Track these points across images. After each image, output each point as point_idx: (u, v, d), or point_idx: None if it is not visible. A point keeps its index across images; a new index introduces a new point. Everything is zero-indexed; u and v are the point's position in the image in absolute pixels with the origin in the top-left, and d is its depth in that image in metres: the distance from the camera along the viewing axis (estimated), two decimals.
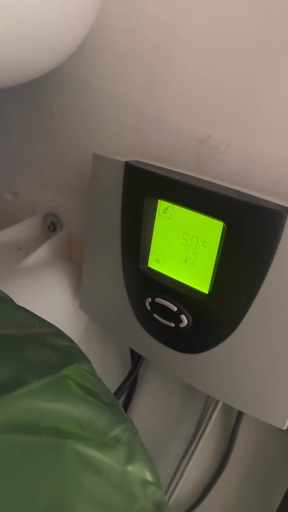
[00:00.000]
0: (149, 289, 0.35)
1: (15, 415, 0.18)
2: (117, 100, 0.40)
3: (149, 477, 0.20)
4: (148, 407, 0.52)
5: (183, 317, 0.33)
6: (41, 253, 0.47)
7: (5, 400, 0.18)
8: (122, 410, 0.23)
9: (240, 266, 0.29)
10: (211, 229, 0.30)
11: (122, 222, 0.35)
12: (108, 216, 0.36)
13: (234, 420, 0.45)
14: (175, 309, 0.34)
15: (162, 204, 0.33)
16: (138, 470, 0.20)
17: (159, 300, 0.34)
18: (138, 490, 0.19)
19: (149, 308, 0.35)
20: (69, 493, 0.16)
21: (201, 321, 0.33)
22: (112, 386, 0.45)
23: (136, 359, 0.47)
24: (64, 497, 0.16)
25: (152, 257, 0.35)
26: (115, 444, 0.20)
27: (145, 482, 0.20)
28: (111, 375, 0.52)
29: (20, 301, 0.28)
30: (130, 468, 0.20)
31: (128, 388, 0.50)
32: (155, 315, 0.35)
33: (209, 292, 0.32)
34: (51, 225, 0.52)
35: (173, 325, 0.34)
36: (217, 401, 0.43)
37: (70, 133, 0.45)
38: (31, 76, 0.31)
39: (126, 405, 0.52)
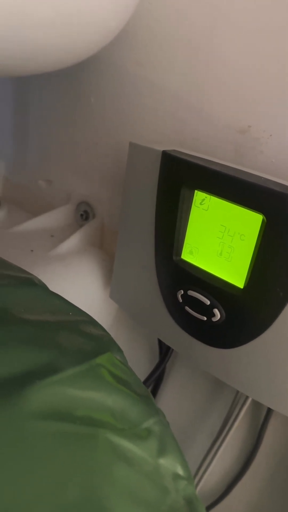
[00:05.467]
0: (181, 281, 0.35)
1: (49, 402, 0.17)
2: (156, 87, 0.39)
3: (180, 471, 0.20)
4: (174, 400, 0.52)
5: (216, 311, 0.33)
6: (73, 241, 0.47)
7: (39, 386, 0.18)
8: (154, 402, 0.23)
9: (279, 261, 0.28)
10: (249, 222, 0.29)
11: (157, 212, 0.35)
12: (142, 205, 0.36)
13: (263, 417, 0.44)
14: (208, 302, 0.33)
15: (199, 195, 0.32)
16: (170, 464, 0.20)
17: (191, 293, 0.34)
18: (170, 484, 0.19)
19: (181, 301, 0.35)
20: (102, 483, 0.16)
21: (234, 316, 0.32)
22: None
23: (164, 352, 0.47)
24: (97, 487, 0.16)
25: (186, 249, 0.34)
26: (147, 435, 0.20)
27: (176, 476, 0.19)
28: (138, 367, 0.51)
29: (52, 287, 0.28)
30: (162, 461, 0.19)
31: (155, 381, 0.50)
32: (187, 307, 0.35)
33: (244, 287, 0.31)
34: (84, 214, 0.52)
35: (205, 318, 0.34)
36: (246, 398, 0.43)
37: (107, 121, 0.45)
38: (72, 61, 0.31)
39: None
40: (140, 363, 0.52)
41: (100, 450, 0.17)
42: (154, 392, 0.51)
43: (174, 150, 0.33)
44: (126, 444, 0.18)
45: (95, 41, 0.31)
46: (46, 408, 0.17)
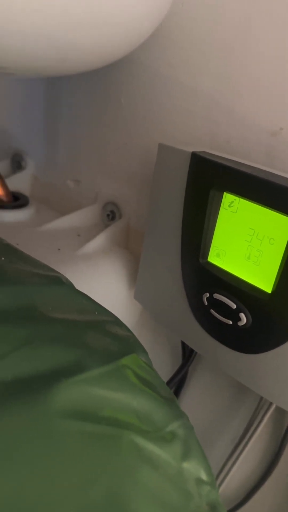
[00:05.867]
0: (207, 284, 0.34)
1: (76, 401, 0.17)
2: (188, 88, 0.39)
3: (204, 476, 0.20)
4: (196, 404, 0.51)
5: (242, 315, 0.32)
6: (99, 241, 0.48)
7: (66, 385, 0.18)
8: (178, 405, 0.23)
9: None
10: (279, 226, 0.29)
11: (184, 214, 0.35)
12: (170, 207, 0.36)
13: (286, 424, 0.43)
14: (234, 306, 0.33)
15: (227, 197, 0.32)
16: (194, 468, 0.19)
17: (217, 296, 0.34)
18: (193, 489, 0.19)
19: (206, 304, 0.35)
20: (127, 485, 0.16)
21: (261, 321, 0.32)
22: None
23: (188, 355, 0.46)
24: (122, 489, 0.16)
25: (213, 252, 0.34)
26: (171, 439, 0.19)
27: (200, 481, 0.19)
28: (160, 369, 0.51)
29: (78, 286, 0.28)
30: (186, 465, 0.19)
31: (177, 384, 0.50)
32: (212, 311, 0.34)
33: (272, 292, 0.31)
34: (110, 214, 0.52)
35: (230, 322, 0.33)
36: (270, 403, 0.42)
37: (136, 122, 0.45)
38: (105, 62, 0.31)
39: None
40: (162, 365, 0.52)
41: (124, 451, 0.17)
42: (176, 395, 0.51)
43: (203, 152, 0.33)
44: (150, 446, 0.18)
45: (128, 42, 0.31)
46: (72, 407, 0.17)
